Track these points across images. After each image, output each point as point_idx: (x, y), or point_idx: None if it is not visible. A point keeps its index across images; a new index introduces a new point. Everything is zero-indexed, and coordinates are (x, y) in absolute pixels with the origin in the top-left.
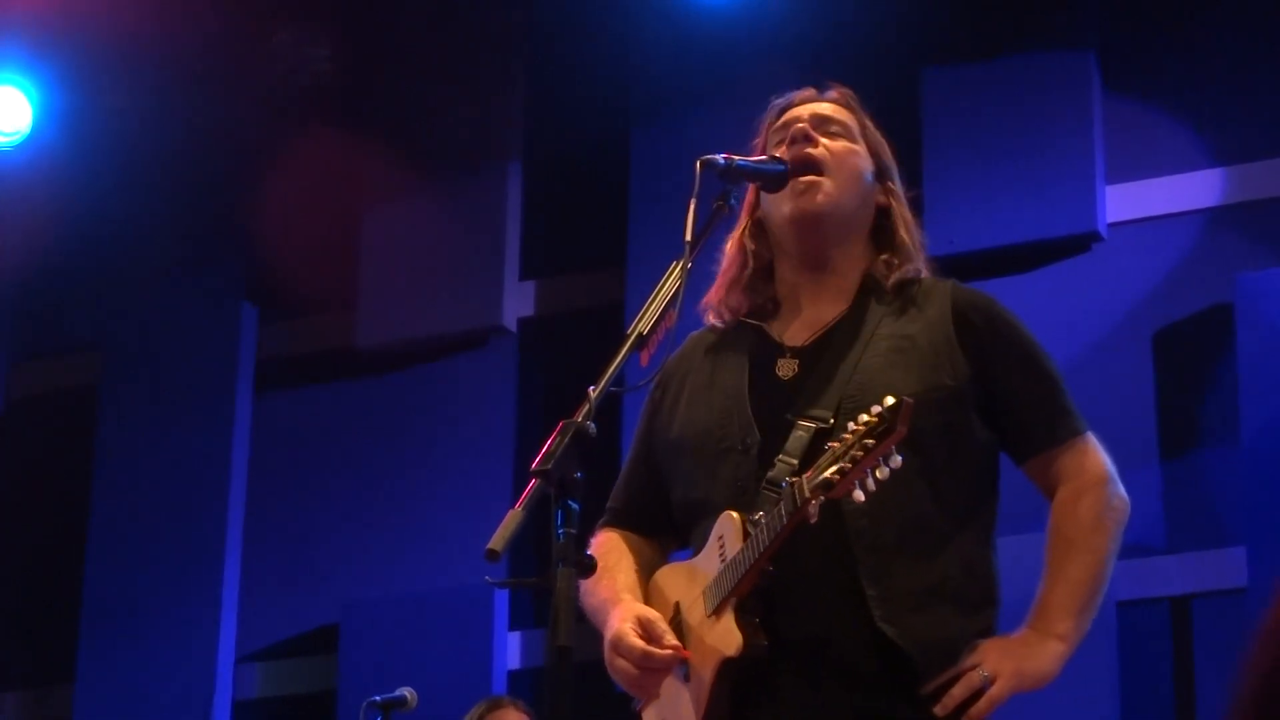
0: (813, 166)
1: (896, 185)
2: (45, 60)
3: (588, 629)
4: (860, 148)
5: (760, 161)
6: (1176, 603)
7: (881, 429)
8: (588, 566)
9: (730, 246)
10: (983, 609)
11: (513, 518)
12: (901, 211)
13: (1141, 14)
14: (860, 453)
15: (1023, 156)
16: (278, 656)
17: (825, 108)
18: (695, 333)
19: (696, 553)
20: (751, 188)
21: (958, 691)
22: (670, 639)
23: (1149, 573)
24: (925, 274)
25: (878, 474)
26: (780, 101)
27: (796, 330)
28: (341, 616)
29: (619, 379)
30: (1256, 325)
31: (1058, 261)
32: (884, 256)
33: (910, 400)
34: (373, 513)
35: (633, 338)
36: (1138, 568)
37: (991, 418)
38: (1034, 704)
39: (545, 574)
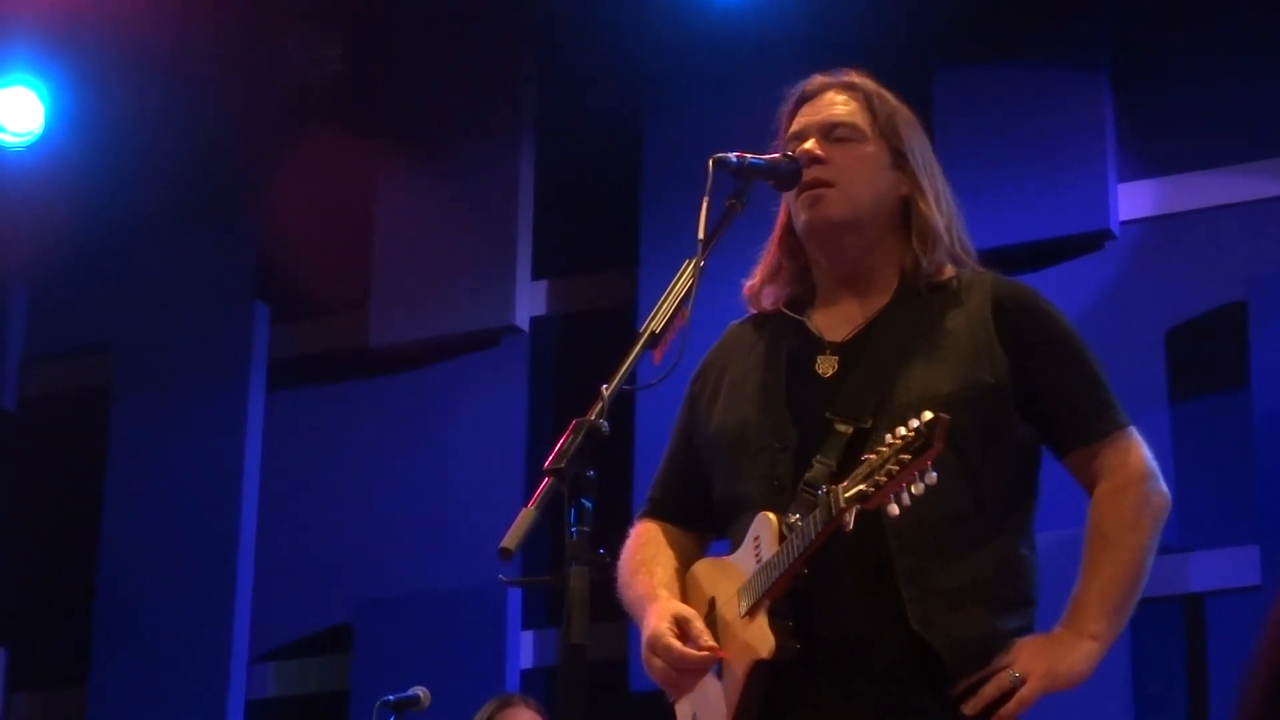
0: (819, 182)
1: (917, 168)
2: (57, 61)
3: (601, 628)
4: (871, 147)
5: (773, 160)
6: (1190, 601)
7: (918, 444)
8: (601, 565)
9: (771, 242)
10: (1019, 608)
11: (525, 516)
12: (922, 201)
13: (1154, 11)
14: (896, 467)
15: (1035, 154)
16: (291, 656)
17: (835, 110)
18: (735, 323)
19: (734, 549)
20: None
21: (988, 691)
22: (706, 639)
23: (1162, 571)
24: (966, 266)
25: (913, 489)
26: (794, 93)
27: (836, 325)
28: (355, 616)
29: (632, 377)
30: (1269, 323)
31: (1070, 259)
32: (914, 252)
33: (947, 417)
34: (385, 512)
35: (645, 336)
36: (1151, 565)
37: (1032, 412)
38: (1048, 703)
39: (558, 572)
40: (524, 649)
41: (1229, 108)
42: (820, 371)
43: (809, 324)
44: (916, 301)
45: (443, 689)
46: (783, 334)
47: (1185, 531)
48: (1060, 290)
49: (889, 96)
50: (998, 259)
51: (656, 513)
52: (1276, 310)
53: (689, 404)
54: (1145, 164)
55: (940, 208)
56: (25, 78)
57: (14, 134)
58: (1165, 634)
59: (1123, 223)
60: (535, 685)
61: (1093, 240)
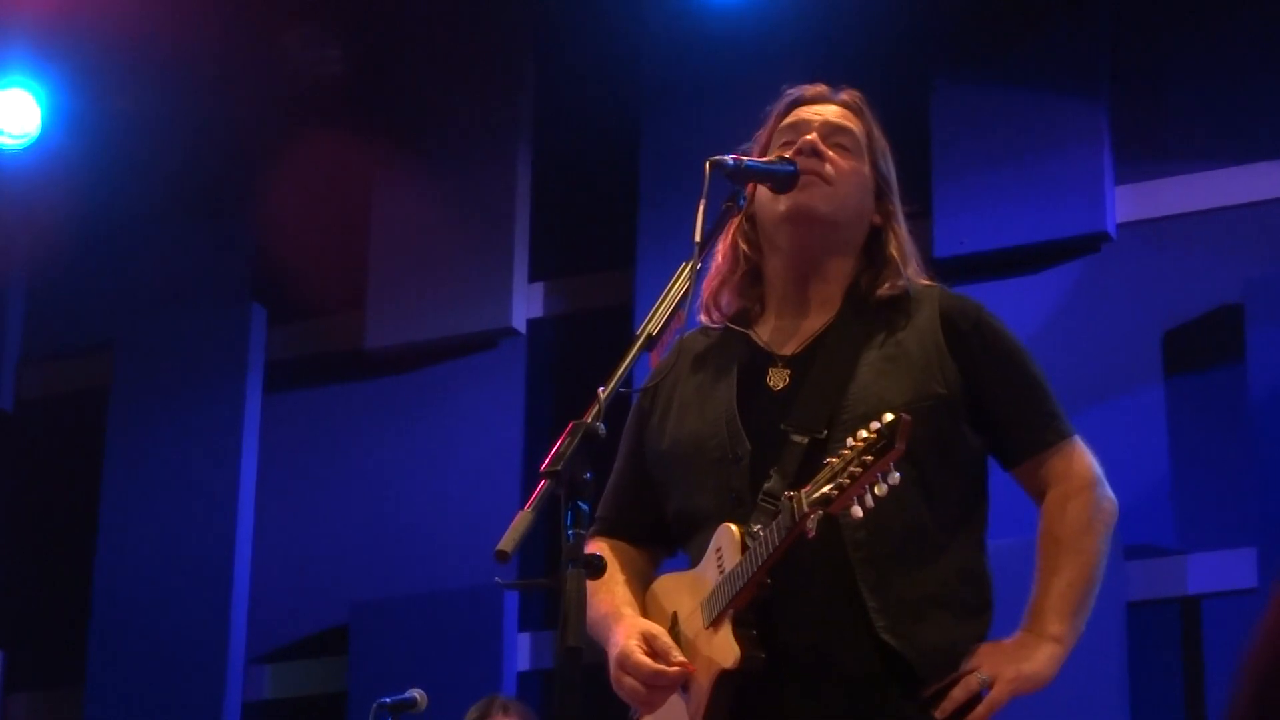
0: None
1: (894, 202)
2: (54, 62)
3: None
4: (864, 165)
5: (770, 162)
6: (1187, 603)
7: (880, 445)
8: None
9: (724, 242)
10: (980, 614)
11: (522, 519)
12: (895, 229)
13: (1151, 14)
14: (859, 469)
15: (1032, 156)
16: (288, 658)
17: (836, 115)
18: (680, 337)
19: (694, 563)
20: (751, 183)
21: (956, 694)
22: (677, 656)
23: (1159, 573)
24: (913, 281)
25: (876, 490)
26: (792, 93)
27: (785, 338)
28: (351, 618)
29: (628, 380)
30: (1266, 326)
31: (1067, 262)
32: (871, 268)
33: (909, 418)
34: (382, 514)
35: (642, 338)
36: (1148, 568)
37: (979, 423)
38: (1044, 705)
39: (555, 575)
40: (520, 651)
41: (1225, 110)
42: (771, 384)
43: (756, 338)
44: (865, 315)
45: (439, 691)
46: (731, 348)
47: (1182, 534)
48: (1057, 293)
49: (878, 126)
50: (995, 261)
51: (608, 531)
52: (1273, 312)
53: (637, 421)
54: (1142, 166)
55: (908, 239)
56: (22, 79)
57: (11, 135)
58: (1162, 636)
59: (1119, 225)
60: (531, 688)
61: (1089, 243)
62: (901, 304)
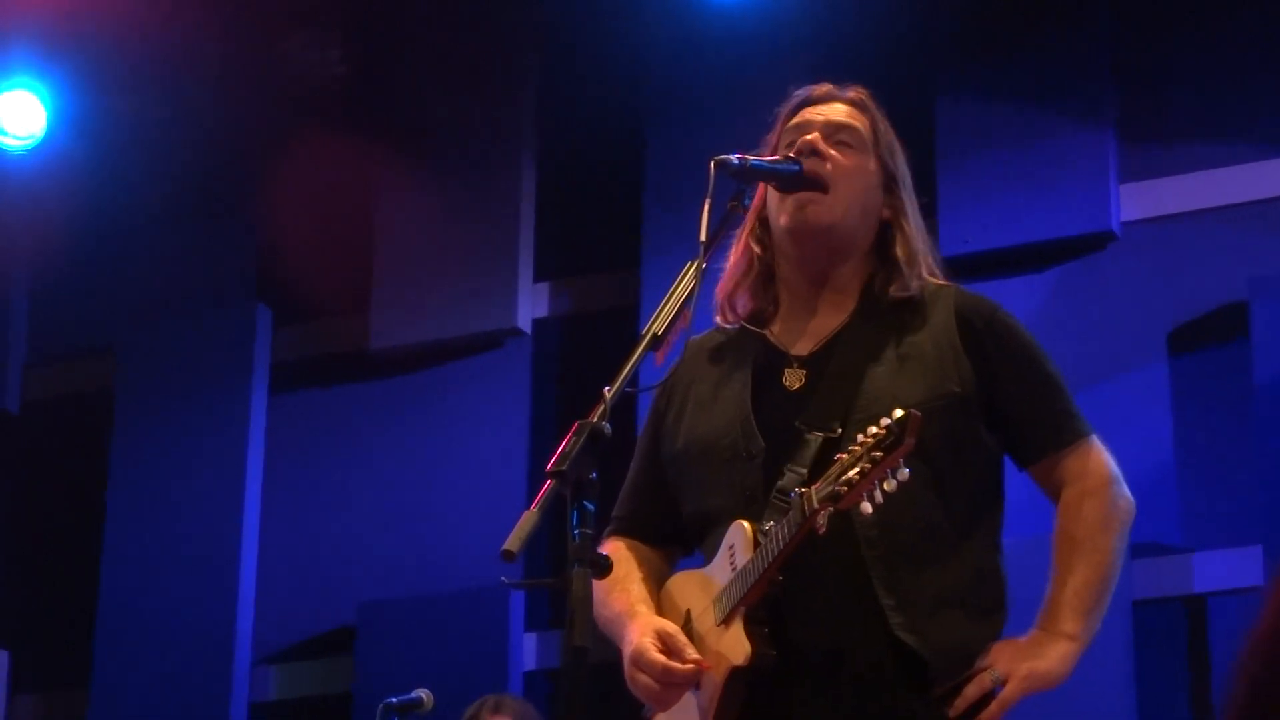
0: (817, 183)
1: (904, 196)
2: (59, 64)
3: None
4: (869, 161)
5: (774, 161)
6: (1192, 601)
7: (889, 441)
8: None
9: (737, 244)
10: (994, 613)
11: (528, 519)
12: (905, 225)
13: (1155, 12)
14: (868, 465)
15: (1037, 155)
16: (294, 659)
17: (840, 113)
18: (694, 338)
19: (708, 562)
20: (760, 185)
21: (970, 691)
22: (691, 653)
23: (1165, 571)
24: (928, 281)
25: (885, 486)
26: (799, 94)
27: (800, 338)
28: (357, 618)
29: (634, 379)
30: (1271, 323)
31: (1072, 260)
32: (884, 268)
33: (918, 414)
34: (388, 515)
35: (648, 338)
36: (1153, 566)
37: (995, 422)
38: (1050, 703)
39: (561, 575)
40: (527, 651)
41: (1230, 108)
42: (787, 384)
43: (772, 338)
44: (880, 314)
45: (445, 691)
46: (746, 348)
47: (1188, 532)
48: (1062, 291)
49: (885, 122)
50: (1000, 260)
51: (624, 530)
52: (1278, 310)
53: (653, 421)
54: (1147, 164)
55: (920, 234)
56: (27, 81)
57: (16, 137)
58: (1168, 635)
59: (1124, 223)
60: (538, 687)
61: (1094, 241)
62: (916, 303)
